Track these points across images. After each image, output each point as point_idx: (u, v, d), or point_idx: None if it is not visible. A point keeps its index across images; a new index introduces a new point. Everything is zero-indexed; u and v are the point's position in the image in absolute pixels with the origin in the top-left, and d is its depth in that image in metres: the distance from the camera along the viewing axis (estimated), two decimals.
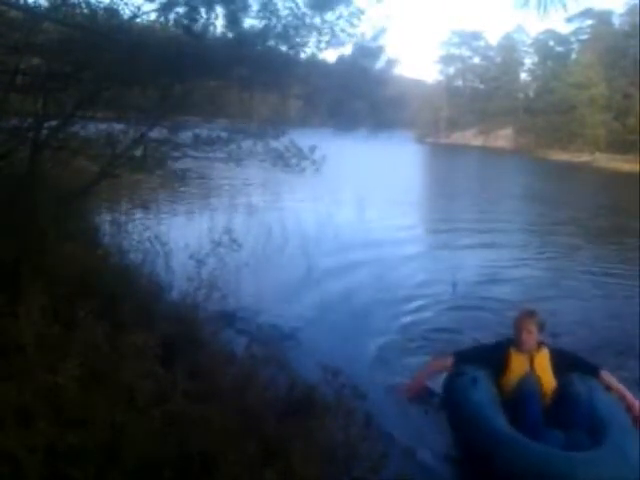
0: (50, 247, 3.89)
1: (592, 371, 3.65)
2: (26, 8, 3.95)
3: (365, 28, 3.87)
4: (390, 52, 4.11)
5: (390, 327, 5.64)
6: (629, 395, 3.59)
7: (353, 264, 8.01)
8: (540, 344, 3.63)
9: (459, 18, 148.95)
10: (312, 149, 4.21)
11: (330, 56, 4.15)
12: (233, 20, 3.50)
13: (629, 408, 3.49)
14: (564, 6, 2.81)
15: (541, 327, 3.63)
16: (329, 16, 3.70)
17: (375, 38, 3.93)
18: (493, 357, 3.63)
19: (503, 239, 11.33)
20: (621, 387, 3.63)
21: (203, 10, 3.54)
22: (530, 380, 3.46)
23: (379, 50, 3.97)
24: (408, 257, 9.04)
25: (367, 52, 3.93)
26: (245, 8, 3.53)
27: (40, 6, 4.19)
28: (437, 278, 7.58)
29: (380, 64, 4.04)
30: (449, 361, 3.82)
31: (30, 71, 4.26)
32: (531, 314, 3.67)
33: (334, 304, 6.05)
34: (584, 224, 14.27)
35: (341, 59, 4.07)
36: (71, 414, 2.33)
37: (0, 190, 3.98)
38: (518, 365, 3.54)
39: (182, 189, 11.32)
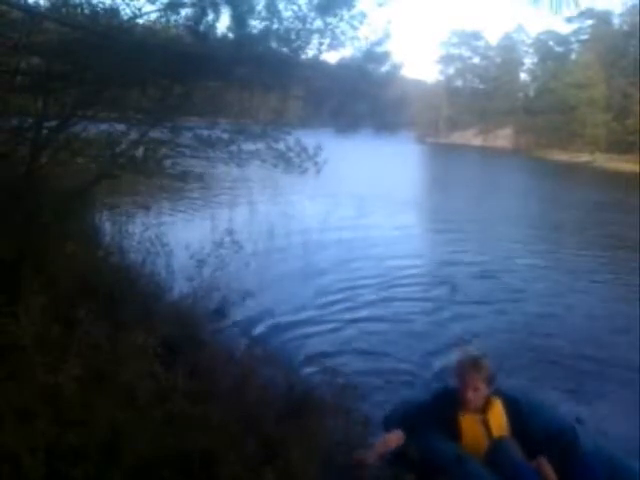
0: (50, 247, 3.89)
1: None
2: (26, 8, 3.94)
3: (368, 32, 3.86)
4: (394, 56, 4.09)
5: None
6: None
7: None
8: (490, 396, 3.01)
9: (459, 18, 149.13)
10: (317, 149, 4.17)
11: (332, 58, 4.14)
12: (239, 22, 3.49)
13: None
14: (576, 3, 2.74)
15: (491, 380, 2.99)
16: (330, 18, 3.70)
17: (380, 43, 3.91)
18: (440, 419, 2.98)
19: (463, 233, 12.18)
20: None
21: (209, 11, 3.54)
22: (504, 446, 2.85)
23: (385, 56, 3.94)
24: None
25: (372, 57, 3.91)
26: (252, 10, 3.52)
27: (40, 6, 4.20)
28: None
29: (385, 68, 4.02)
30: (401, 436, 2.99)
31: (30, 71, 4.25)
32: (476, 366, 2.96)
33: None
34: (551, 217, 15.63)
35: (344, 62, 4.06)
36: (71, 414, 2.34)
37: (0, 190, 3.98)
38: (472, 430, 2.94)
39: (182, 189, 11.46)
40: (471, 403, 2.94)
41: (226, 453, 2.34)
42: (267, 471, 2.29)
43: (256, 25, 3.64)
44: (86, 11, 3.84)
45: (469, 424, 2.95)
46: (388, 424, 3.17)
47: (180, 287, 4.88)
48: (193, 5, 3.63)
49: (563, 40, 59.99)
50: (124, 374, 2.63)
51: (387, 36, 3.92)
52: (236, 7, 3.45)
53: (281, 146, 4.24)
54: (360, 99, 4.15)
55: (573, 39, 59.46)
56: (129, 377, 2.61)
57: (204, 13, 3.55)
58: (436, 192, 20.89)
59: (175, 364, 2.97)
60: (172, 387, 2.71)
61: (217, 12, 3.55)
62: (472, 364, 2.99)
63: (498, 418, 2.96)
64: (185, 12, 3.72)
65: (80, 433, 2.22)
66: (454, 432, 2.94)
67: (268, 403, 2.97)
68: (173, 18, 3.88)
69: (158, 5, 3.92)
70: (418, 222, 14.37)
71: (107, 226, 5.71)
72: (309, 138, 4.47)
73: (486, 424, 2.93)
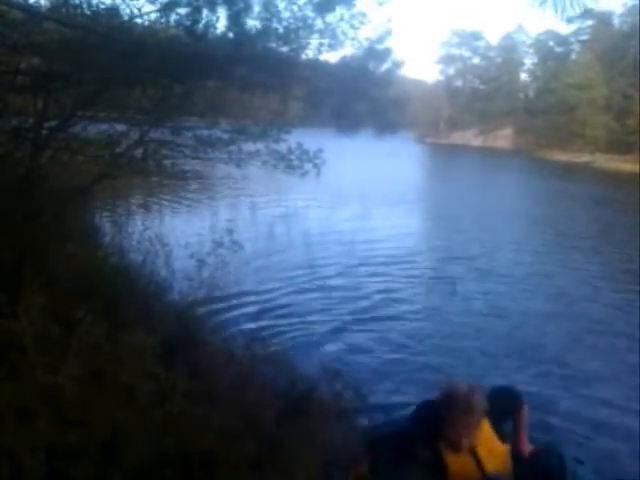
0: (50, 247, 3.89)
1: (515, 405, 2.83)
2: (26, 8, 3.94)
3: (368, 31, 3.86)
4: (395, 53, 4.08)
5: None
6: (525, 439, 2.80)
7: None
8: None
9: (459, 18, 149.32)
10: (318, 153, 4.16)
11: (333, 57, 4.13)
12: (235, 21, 3.48)
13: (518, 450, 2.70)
14: (584, 6, 2.73)
15: (484, 411, 2.61)
16: (330, 18, 3.70)
17: (380, 41, 3.90)
18: (424, 450, 2.64)
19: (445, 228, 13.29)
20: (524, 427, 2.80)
21: (205, 11, 3.54)
22: None
23: (386, 53, 3.93)
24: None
25: (373, 55, 3.90)
26: (248, 9, 3.51)
27: (40, 6, 4.19)
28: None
29: (385, 66, 4.01)
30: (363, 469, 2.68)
31: (30, 71, 4.25)
32: (470, 407, 2.55)
33: None
34: (528, 212, 16.75)
35: (344, 61, 4.05)
36: (71, 414, 2.34)
37: (0, 190, 3.98)
38: (460, 464, 2.62)
39: (182, 189, 11.59)
40: (464, 445, 2.58)
41: (226, 453, 2.34)
42: (267, 471, 2.29)
43: (255, 25, 3.64)
44: (86, 11, 3.84)
45: (457, 462, 2.61)
46: (370, 444, 2.85)
47: (180, 287, 4.88)
48: (189, 4, 3.62)
49: (563, 40, 60.03)
50: (124, 374, 2.63)
51: (388, 33, 3.91)
52: (232, 5, 3.44)
53: (282, 148, 4.24)
54: (360, 99, 4.14)
55: (573, 39, 59.51)
56: (129, 377, 2.61)
57: (199, 12, 3.54)
58: (435, 192, 21.20)
59: (175, 364, 2.96)
60: (172, 387, 2.70)
61: (214, 11, 3.54)
62: (466, 407, 2.55)
63: (488, 444, 2.64)
64: (182, 11, 3.71)
65: (80, 433, 2.22)
66: (439, 466, 2.61)
67: (268, 403, 2.97)
68: (172, 18, 3.88)
69: (158, 5, 3.91)
70: (416, 219, 14.83)
71: (107, 226, 5.72)
72: (309, 138, 4.46)
73: (475, 454, 2.61)
